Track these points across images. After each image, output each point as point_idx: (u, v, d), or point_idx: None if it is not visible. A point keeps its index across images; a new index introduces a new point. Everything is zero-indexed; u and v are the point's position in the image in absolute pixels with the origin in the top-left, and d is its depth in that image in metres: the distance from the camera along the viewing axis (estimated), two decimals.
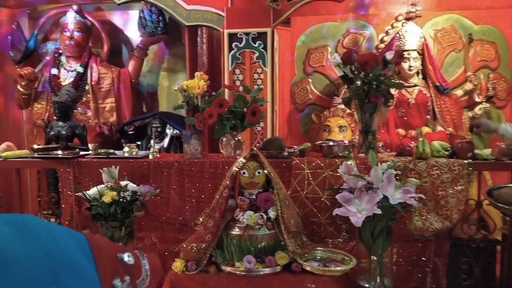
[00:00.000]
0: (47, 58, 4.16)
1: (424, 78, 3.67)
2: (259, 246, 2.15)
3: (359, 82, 2.50)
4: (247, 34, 3.31)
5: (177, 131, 3.68)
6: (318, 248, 2.31)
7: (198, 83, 2.69)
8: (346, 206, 2.11)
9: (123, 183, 2.35)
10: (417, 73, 3.64)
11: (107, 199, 2.22)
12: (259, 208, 2.19)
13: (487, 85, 3.65)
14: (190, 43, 3.98)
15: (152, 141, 2.97)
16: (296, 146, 2.75)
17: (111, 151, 2.86)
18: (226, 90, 3.13)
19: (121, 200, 2.25)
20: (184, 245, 2.21)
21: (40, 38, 4.30)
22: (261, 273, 2.10)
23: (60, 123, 3.07)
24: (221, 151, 2.74)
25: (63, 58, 4.10)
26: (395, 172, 2.20)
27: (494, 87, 3.65)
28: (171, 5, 3.49)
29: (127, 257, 0.55)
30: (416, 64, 3.57)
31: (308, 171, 2.47)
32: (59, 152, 2.82)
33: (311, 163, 2.48)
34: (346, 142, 2.84)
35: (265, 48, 3.31)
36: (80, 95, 3.96)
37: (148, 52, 4.21)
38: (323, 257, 2.26)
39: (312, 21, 3.90)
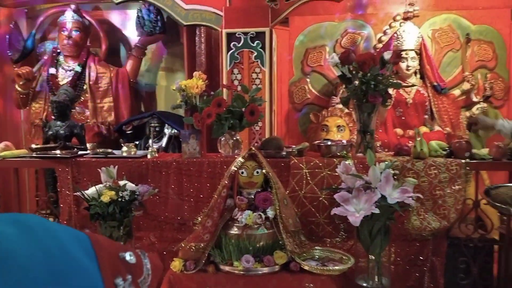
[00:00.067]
0: (45, 57, 4.15)
1: (422, 78, 3.68)
2: (258, 245, 2.15)
3: (357, 82, 2.50)
4: (245, 33, 3.32)
5: (175, 131, 3.68)
6: (316, 248, 2.31)
7: (197, 82, 2.70)
8: (344, 206, 2.12)
9: (121, 182, 2.35)
10: (415, 73, 3.65)
11: (105, 198, 2.22)
12: (258, 208, 2.19)
13: (484, 85, 3.66)
14: (188, 43, 3.99)
15: (150, 141, 2.98)
16: (294, 146, 2.76)
17: (110, 150, 2.86)
18: (225, 90, 3.13)
19: (119, 199, 2.25)
20: (183, 245, 2.21)
21: (38, 37, 4.28)
22: (260, 272, 2.10)
23: (58, 122, 3.07)
24: (220, 150, 2.75)
25: (61, 58, 4.09)
26: (393, 172, 2.21)
27: (492, 87, 3.67)
28: (169, 4, 3.49)
29: (128, 256, 0.55)
30: (414, 64, 3.58)
31: (306, 171, 2.48)
32: (58, 151, 2.82)
33: (309, 162, 2.49)
34: (344, 141, 2.85)
35: (263, 47, 3.31)
36: (78, 95, 3.97)
37: (146, 52, 4.21)
38: (321, 257, 2.26)
39: (310, 21, 3.90)
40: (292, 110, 3.99)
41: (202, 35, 4.04)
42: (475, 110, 3.63)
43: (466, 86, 3.67)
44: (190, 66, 3.94)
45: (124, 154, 2.79)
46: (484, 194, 2.45)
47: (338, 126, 3.59)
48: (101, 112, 4.03)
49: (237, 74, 3.37)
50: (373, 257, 2.21)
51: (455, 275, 2.48)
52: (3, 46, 4.18)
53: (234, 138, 2.70)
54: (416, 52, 3.58)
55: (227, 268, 2.14)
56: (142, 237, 2.62)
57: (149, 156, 2.73)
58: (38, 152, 2.83)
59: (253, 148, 2.27)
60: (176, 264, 2.17)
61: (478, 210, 2.52)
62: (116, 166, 2.46)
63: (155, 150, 2.81)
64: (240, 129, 2.67)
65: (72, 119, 3.28)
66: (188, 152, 2.68)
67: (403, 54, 3.54)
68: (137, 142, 3.62)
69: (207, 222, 2.20)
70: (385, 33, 3.79)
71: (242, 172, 2.21)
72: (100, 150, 2.87)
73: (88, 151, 2.91)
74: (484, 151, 2.55)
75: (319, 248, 2.32)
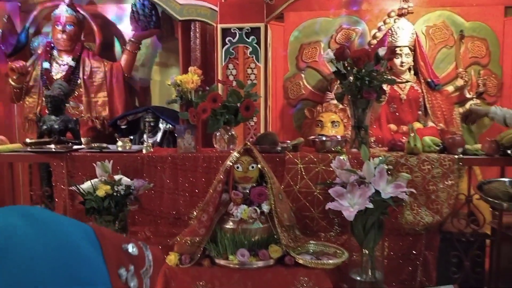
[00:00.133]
0: (39, 51, 4.13)
1: (416, 74, 3.70)
2: (253, 239, 2.17)
3: (351, 78, 2.52)
4: (240, 29, 3.32)
5: (170, 126, 3.68)
6: (310, 242, 2.33)
7: (192, 77, 2.70)
8: (338, 200, 2.14)
9: (116, 177, 2.35)
10: (409, 69, 3.67)
11: (101, 193, 2.22)
12: (253, 202, 2.20)
13: (477, 81, 3.69)
14: (183, 38, 3.97)
15: (145, 136, 2.97)
16: (289, 141, 2.77)
17: (105, 145, 2.86)
18: (220, 85, 3.14)
19: (115, 194, 2.25)
20: (178, 239, 2.22)
21: (31, 31, 4.26)
22: (255, 266, 2.12)
23: (53, 117, 3.06)
24: (215, 145, 2.75)
25: (55, 52, 4.07)
26: (386, 167, 2.23)
27: (485, 83, 3.71)
28: None
29: (131, 248, 0.56)
30: (408, 60, 3.61)
31: (301, 166, 2.49)
32: (52, 146, 2.81)
33: (304, 157, 2.50)
34: (339, 137, 2.86)
35: (258, 43, 3.31)
36: (73, 89, 3.93)
37: (141, 46, 4.19)
38: (316, 251, 2.28)
39: (305, 17, 3.91)
40: (287, 106, 4.00)
41: (197, 30, 4.03)
42: (468, 106, 3.66)
43: (459, 82, 3.70)
44: (185, 61, 3.93)
45: (119, 149, 2.79)
46: (476, 188, 2.48)
47: (333, 122, 3.61)
48: (95, 107, 4.02)
49: (232, 69, 3.37)
50: (367, 251, 2.23)
51: (448, 269, 2.51)
52: None
53: (229, 133, 2.71)
54: (410, 48, 3.61)
55: (222, 262, 2.15)
56: (137, 232, 2.62)
57: (144, 151, 2.73)
58: (33, 147, 2.81)
59: (249, 143, 2.28)
60: (172, 258, 2.18)
61: (470, 205, 2.55)
62: (111, 161, 2.46)
63: (150, 145, 2.81)
64: (235, 124, 2.68)
65: (66, 114, 3.27)
66: (184, 147, 2.68)
67: (398, 50, 3.56)
68: (131, 137, 3.61)
69: (202, 216, 2.21)
70: (379, 29, 3.81)
71: (238, 167, 2.22)
72: (95, 145, 2.86)
73: (83, 146, 2.91)
74: (477, 146, 2.57)
75: (313, 242, 2.34)
